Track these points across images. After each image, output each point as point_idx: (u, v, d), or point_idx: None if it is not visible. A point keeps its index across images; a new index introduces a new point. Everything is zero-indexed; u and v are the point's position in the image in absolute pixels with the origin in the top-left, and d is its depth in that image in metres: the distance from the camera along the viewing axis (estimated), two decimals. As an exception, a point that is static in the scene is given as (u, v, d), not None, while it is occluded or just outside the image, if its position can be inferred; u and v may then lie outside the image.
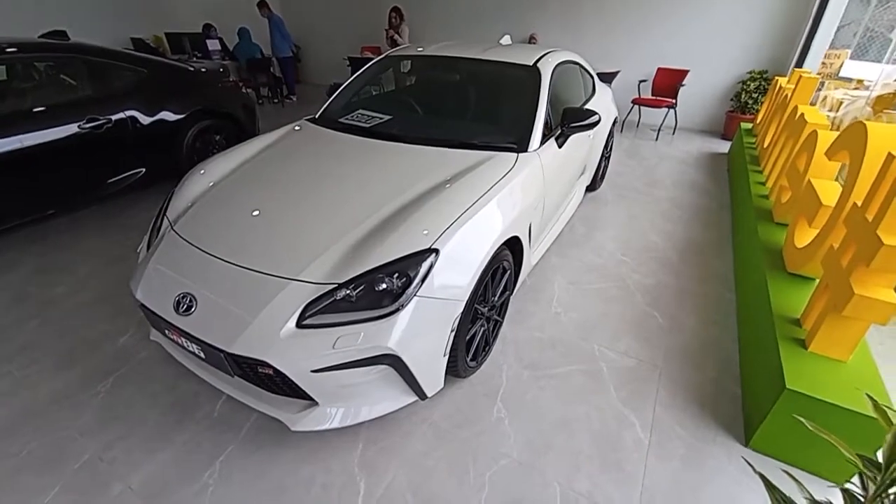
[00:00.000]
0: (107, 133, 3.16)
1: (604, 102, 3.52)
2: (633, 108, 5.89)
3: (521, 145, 2.13)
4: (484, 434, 1.72)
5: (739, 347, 2.17)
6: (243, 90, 4.32)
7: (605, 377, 1.99)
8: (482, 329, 1.90)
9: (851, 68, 7.90)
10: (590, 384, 1.96)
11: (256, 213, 1.77)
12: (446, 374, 1.67)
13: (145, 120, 3.36)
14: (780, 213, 2.54)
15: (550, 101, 2.49)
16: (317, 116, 2.70)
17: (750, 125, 4.76)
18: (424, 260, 1.47)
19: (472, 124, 2.40)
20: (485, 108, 2.52)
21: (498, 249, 1.75)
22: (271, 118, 6.36)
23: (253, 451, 1.64)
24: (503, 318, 2.16)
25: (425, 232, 1.53)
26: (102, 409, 1.81)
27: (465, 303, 1.57)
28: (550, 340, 2.21)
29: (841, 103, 4.37)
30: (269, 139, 2.40)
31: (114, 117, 3.19)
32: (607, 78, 5.52)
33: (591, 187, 3.84)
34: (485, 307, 1.85)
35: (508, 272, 2.00)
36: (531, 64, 2.49)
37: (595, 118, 2.33)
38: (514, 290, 2.26)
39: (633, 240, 3.19)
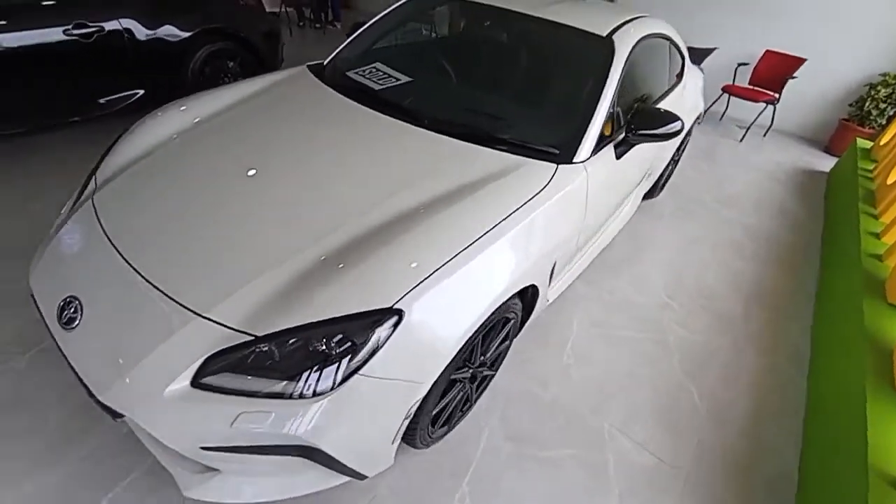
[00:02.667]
0: (98, 43, 2.74)
1: (691, 94, 2.77)
2: (721, 96, 4.90)
3: (565, 152, 1.56)
4: (436, 530, 1.35)
5: (801, 467, 1.66)
6: (281, 10, 3.76)
7: (609, 476, 1.55)
8: (461, 394, 1.47)
9: None
10: (587, 482, 1.52)
11: (192, 200, 1.34)
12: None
13: (144, 34, 2.91)
14: (901, 293, 1.88)
15: (621, 90, 1.87)
16: (325, 63, 2.17)
17: (870, 144, 3.81)
18: (379, 324, 1.02)
19: (508, 110, 1.81)
20: (529, 90, 1.89)
21: (501, 304, 1.27)
22: (307, 45, 5.77)
23: (151, 489, 1.33)
24: (497, 370, 1.72)
25: (414, 264, 1.08)
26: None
27: (432, 384, 1.13)
28: (551, 404, 1.76)
29: None
30: (254, 87, 1.92)
31: (106, 26, 2.75)
32: (698, 56, 4.54)
33: (649, 194, 3.17)
34: (468, 370, 1.41)
35: (513, 321, 1.53)
36: (604, 35, 1.82)
37: (676, 127, 1.70)
38: (519, 334, 1.79)
39: (686, 275, 2.58)
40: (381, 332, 1.02)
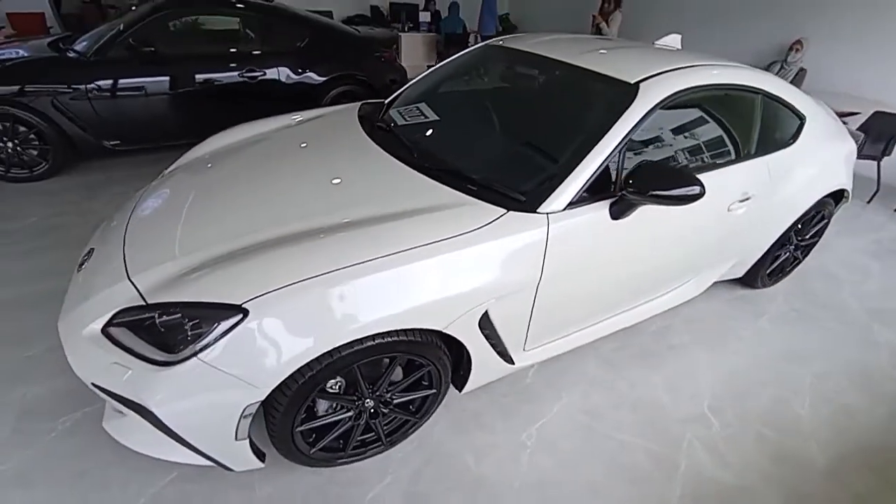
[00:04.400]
0: (258, 84, 3.62)
1: (816, 166, 2.14)
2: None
3: (532, 200, 1.41)
4: (282, 555, 1.30)
5: None
6: (399, 63, 4.38)
7: (496, 592, 1.25)
8: (354, 422, 1.41)
9: None
10: (466, 586, 1.26)
11: (199, 189, 1.66)
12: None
13: (293, 78, 3.72)
14: None
15: (656, 146, 1.62)
16: (386, 101, 2.43)
17: None
18: (224, 318, 1.10)
19: (492, 153, 1.73)
20: (525, 136, 1.76)
21: (382, 339, 1.22)
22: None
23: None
24: (422, 418, 1.58)
25: (285, 271, 1.15)
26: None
27: (270, 390, 1.14)
28: (476, 480, 1.52)
29: None
30: (324, 112, 2.29)
31: (268, 72, 3.62)
32: (890, 124, 3.47)
33: (749, 282, 2.50)
34: (357, 400, 1.36)
35: (429, 368, 1.42)
36: (631, 82, 1.60)
37: (691, 191, 1.38)
38: (465, 390, 1.61)
39: (755, 393, 1.93)
40: (224, 324, 1.09)
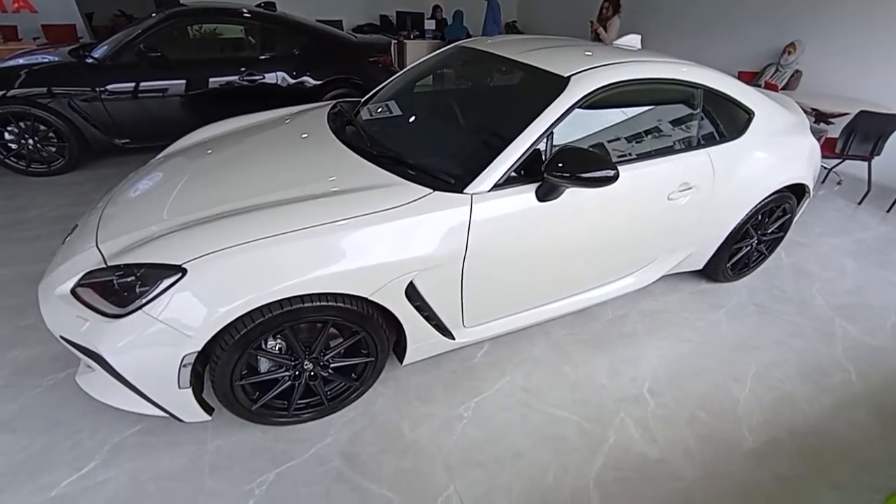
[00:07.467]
0: (260, 86, 3.86)
1: (766, 161, 2.18)
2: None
3: (460, 181, 1.53)
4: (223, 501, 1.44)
5: None
6: (393, 67, 4.57)
7: (409, 538, 1.36)
8: (295, 382, 1.56)
9: None
10: (383, 533, 1.37)
11: (180, 170, 1.85)
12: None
13: (289, 81, 3.95)
14: None
15: (588, 136, 1.73)
16: (363, 99, 2.60)
17: None
18: (167, 277, 1.26)
19: (441, 141, 1.87)
20: (471, 125, 1.89)
21: (311, 302, 1.36)
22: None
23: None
24: (363, 385, 1.70)
25: (224, 235, 1.31)
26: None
27: (202, 343, 1.28)
28: (408, 444, 1.63)
29: None
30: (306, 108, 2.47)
31: (266, 76, 3.86)
32: (883, 123, 3.43)
33: (711, 275, 2.54)
34: (293, 361, 1.50)
35: (362, 336, 1.55)
36: (564, 75, 1.71)
37: (605, 174, 1.47)
38: (406, 362, 1.73)
39: (696, 378, 1.98)
40: (166, 282, 1.25)
